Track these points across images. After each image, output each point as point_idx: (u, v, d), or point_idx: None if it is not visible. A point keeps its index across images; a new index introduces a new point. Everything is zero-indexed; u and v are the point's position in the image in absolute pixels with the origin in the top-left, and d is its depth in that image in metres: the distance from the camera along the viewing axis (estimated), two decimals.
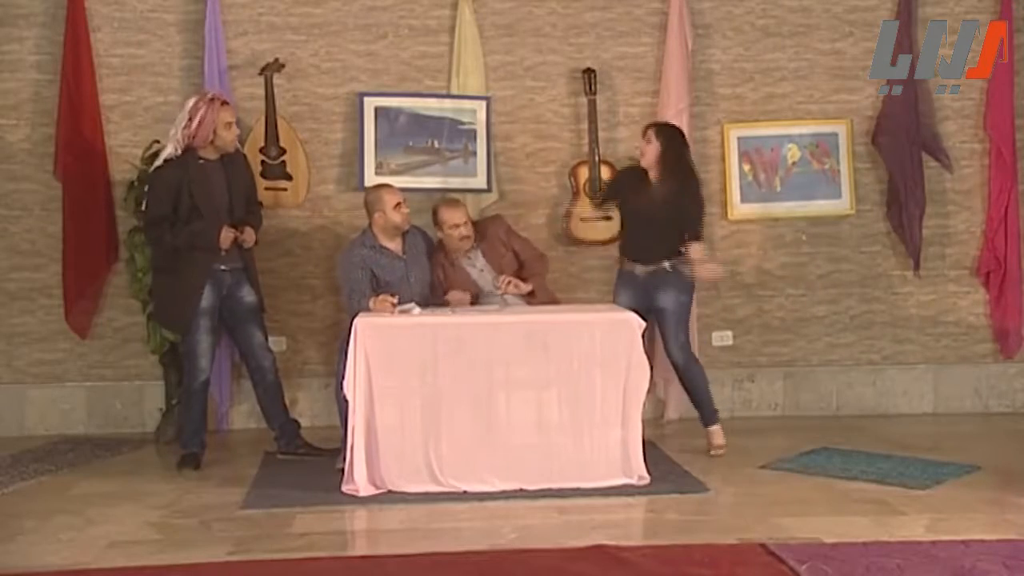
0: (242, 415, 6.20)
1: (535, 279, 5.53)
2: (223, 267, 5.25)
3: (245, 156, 5.58)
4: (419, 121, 6.18)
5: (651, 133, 5.40)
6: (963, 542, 3.91)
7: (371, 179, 6.00)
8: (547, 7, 6.34)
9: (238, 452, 5.70)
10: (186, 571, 3.77)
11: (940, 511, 4.37)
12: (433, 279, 5.52)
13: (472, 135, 6.20)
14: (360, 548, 4.29)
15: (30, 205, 6.09)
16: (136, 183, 5.79)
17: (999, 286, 6.44)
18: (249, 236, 5.31)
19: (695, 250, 5.25)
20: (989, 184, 6.46)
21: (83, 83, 5.95)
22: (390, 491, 4.67)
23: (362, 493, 4.64)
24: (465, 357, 4.74)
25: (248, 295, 5.37)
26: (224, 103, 5.26)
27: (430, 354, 4.73)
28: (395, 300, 5.07)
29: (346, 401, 4.75)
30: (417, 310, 5.02)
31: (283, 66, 6.03)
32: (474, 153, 6.21)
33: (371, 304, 5.08)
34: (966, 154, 6.51)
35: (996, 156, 6.41)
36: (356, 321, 4.75)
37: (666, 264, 5.29)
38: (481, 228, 5.63)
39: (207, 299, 5.21)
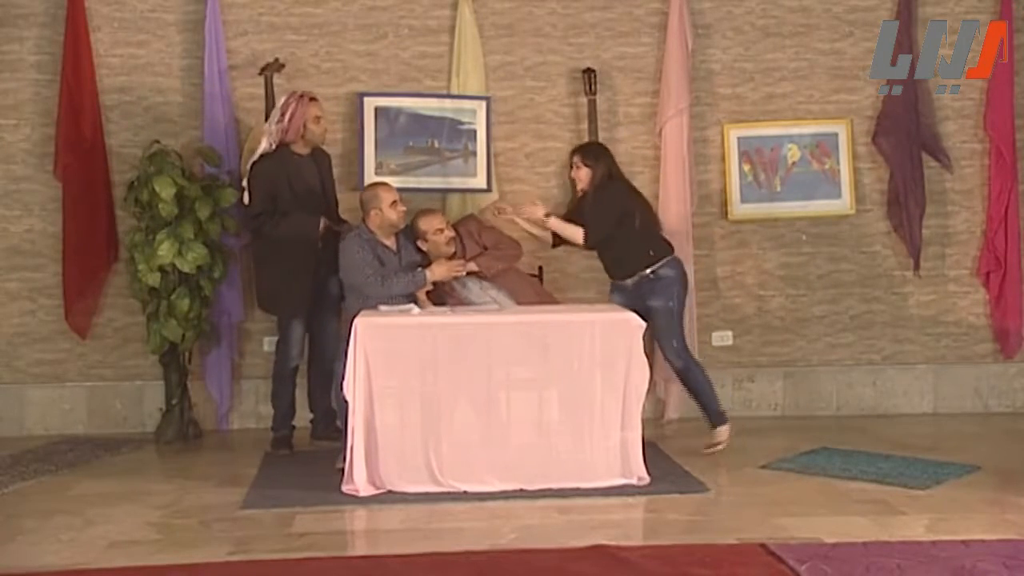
0: (242, 415, 6.20)
1: (483, 258, 5.57)
2: (318, 260, 5.49)
3: (330, 157, 5.82)
4: (419, 121, 6.18)
5: (577, 159, 5.52)
6: (963, 542, 3.91)
7: (371, 179, 5.99)
8: (547, 7, 6.34)
9: (238, 452, 5.70)
10: (186, 571, 3.77)
11: (940, 511, 4.37)
12: None
13: (472, 135, 6.20)
14: (360, 548, 4.29)
15: (30, 205, 6.09)
16: (136, 183, 5.79)
17: (999, 286, 6.44)
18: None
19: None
20: (989, 184, 6.45)
21: (83, 83, 5.94)
22: (390, 491, 4.67)
23: (362, 493, 4.64)
24: (465, 357, 4.74)
25: (333, 287, 5.57)
26: (312, 99, 5.58)
27: (430, 354, 4.73)
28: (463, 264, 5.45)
29: (346, 401, 4.75)
30: (416, 310, 5.03)
31: (283, 66, 6.03)
32: (474, 153, 6.20)
33: (430, 273, 5.35)
34: (966, 154, 6.51)
35: (996, 156, 6.41)
36: (356, 321, 4.75)
37: (647, 271, 5.36)
38: (455, 230, 5.67)
39: (306, 290, 5.48)
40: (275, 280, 5.56)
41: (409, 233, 5.59)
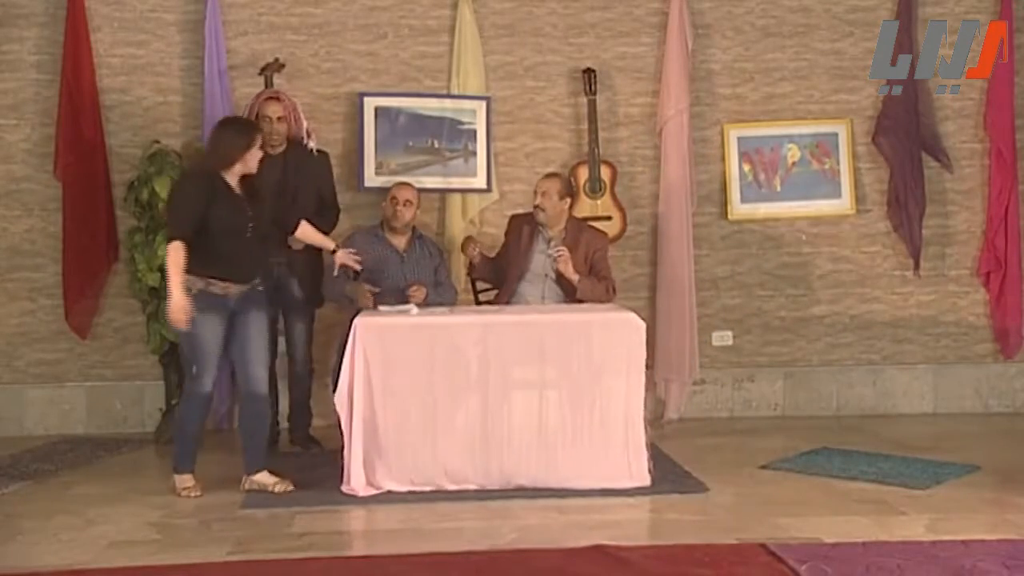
0: None
1: (586, 280, 5.39)
2: (272, 260, 5.37)
3: (326, 157, 5.74)
4: (419, 121, 6.18)
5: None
6: (963, 542, 3.91)
7: (371, 179, 6.03)
8: (547, 7, 6.34)
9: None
10: (186, 571, 3.77)
11: (940, 511, 4.37)
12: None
13: (472, 135, 6.21)
14: (360, 548, 4.29)
15: (30, 205, 6.09)
16: (136, 183, 5.79)
17: (999, 286, 6.44)
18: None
19: None
20: (989, 184, 6.45)
21: (83, 83, 5.94)
22: (390, 491, 4.67)
23: (361, 493, 4.64)
24: (465, 357, 4.74)
25: (295, 289, 5.53)
26: (272, 98, 5.51)
27: (429, 354, 4.73)
28: (374, 291, 5.28)
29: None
30: (415, 311, 5.03)
31: (283, 66, 6.03)
32: (474, 153, 6.21)
33: (348, 289, 5.31)
34: (966, 154, 6.51)
35: (996, 156, 6.41)
36: (356, 321, 4.76)
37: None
38: (580, 227, 5.57)
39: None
40: None
41: (433, 244, 5.72)
